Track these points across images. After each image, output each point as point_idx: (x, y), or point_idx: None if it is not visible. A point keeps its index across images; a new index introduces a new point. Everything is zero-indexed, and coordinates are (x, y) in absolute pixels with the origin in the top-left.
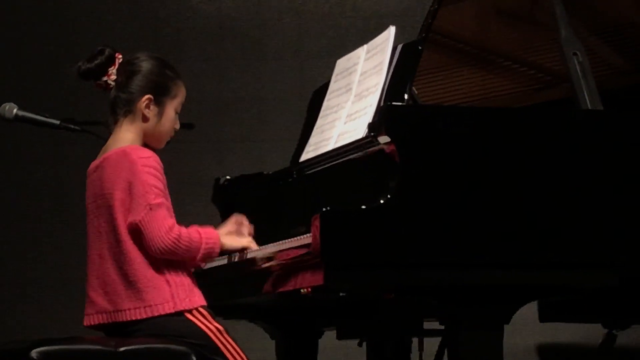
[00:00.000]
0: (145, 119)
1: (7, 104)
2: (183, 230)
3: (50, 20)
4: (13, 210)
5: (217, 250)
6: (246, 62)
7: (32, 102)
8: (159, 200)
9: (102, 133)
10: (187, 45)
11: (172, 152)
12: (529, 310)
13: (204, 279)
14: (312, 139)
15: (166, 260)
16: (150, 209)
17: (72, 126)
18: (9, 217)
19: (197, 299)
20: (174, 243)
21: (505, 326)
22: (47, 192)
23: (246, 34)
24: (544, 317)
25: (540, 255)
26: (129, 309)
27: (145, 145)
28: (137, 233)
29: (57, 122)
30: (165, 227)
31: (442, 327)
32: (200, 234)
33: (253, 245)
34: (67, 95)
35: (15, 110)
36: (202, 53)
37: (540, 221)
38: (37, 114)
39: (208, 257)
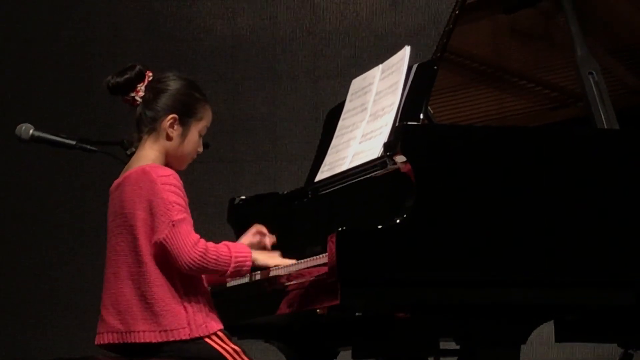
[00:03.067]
0: (169, 138)
1: (23, 124)
2: (210, 244)
3: (66, 40)
4: (30, 231)
5: (249, 265)
6: (261, 81)
7: (48, 122)
8: (182, 216)
9: (118, 154)
10: (202, 64)
11: (186, 172)
12: (545, 330)
13: (219, 299)
14: (327, 159)
15: (185, 285)
16: (173, 225)
17: (88, 147)
18: (26, 237)
19: (214, 324)
20: (201, 257)
21: (522, 346)
22: (64, 212)
23: (260, 53)
24: (560, 336)
25: (557, 274)
26: (144, 331)
27: (167, 165)
28: (159, 255)
29: (73, 142)
30: (190, 241)
31: (458, 347)
32: (229, 247)
33: (285, 263)
34: (84, 115)
35: (31, 131)
36: (217, 72)
37: (557, 240)
38: (53, 134)
39: (239, 272)
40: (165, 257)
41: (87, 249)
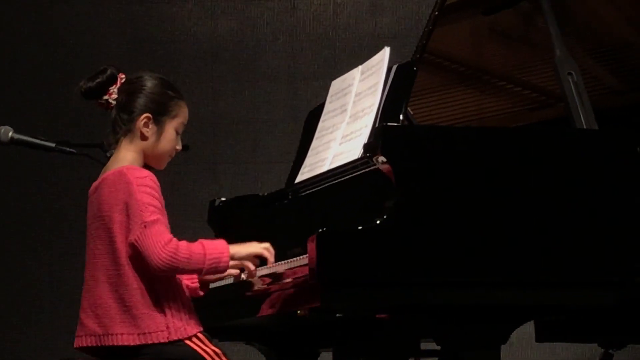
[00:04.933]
0: (144, 137)
1: (2, 127)
2: (182, 243)
3: (45, 42)
4: (8, 233)
5: (226, 259)
6: (240, 83)
7: (28, 125)
8: (154, 217)
9: (98, 155)
10: (181, 67)
11: (167, 174)
12: (526, 330)
13: (199, 301)
14: (308, 160)
15: (164, 288)
16: (145, 226)
17: (68, 149)
18: (4, 239)
19: (193, 326)
20: (171, 257)
21: (502, 346)
22: (44, 215)
23: (240, 55)
24: (540, 337)
25: (537, 274)
26: (122, 334)
27: (146, 166)
28: (136, 257)
29: (53, 144)
30: (161, 242)
31: (439, 348)
32: (203, 244)
33: (266, 253)
34: (63, 117)
35: (10, 133)
36: (197, 75)
37: (537, 241)
38: (32, 136)
39: (216, 268)
40: (142, 260)
41: (66, 251)
